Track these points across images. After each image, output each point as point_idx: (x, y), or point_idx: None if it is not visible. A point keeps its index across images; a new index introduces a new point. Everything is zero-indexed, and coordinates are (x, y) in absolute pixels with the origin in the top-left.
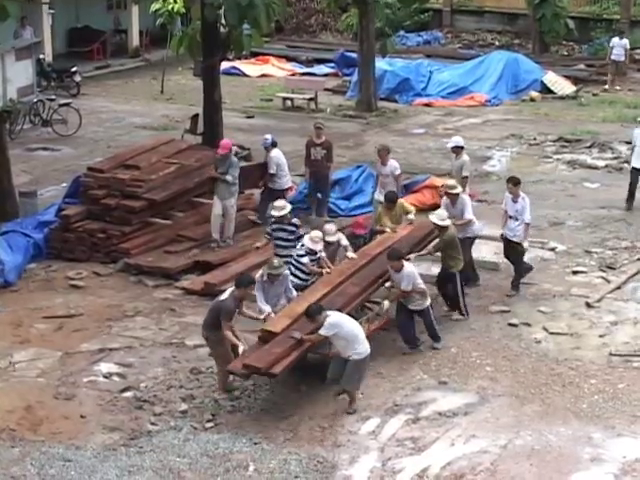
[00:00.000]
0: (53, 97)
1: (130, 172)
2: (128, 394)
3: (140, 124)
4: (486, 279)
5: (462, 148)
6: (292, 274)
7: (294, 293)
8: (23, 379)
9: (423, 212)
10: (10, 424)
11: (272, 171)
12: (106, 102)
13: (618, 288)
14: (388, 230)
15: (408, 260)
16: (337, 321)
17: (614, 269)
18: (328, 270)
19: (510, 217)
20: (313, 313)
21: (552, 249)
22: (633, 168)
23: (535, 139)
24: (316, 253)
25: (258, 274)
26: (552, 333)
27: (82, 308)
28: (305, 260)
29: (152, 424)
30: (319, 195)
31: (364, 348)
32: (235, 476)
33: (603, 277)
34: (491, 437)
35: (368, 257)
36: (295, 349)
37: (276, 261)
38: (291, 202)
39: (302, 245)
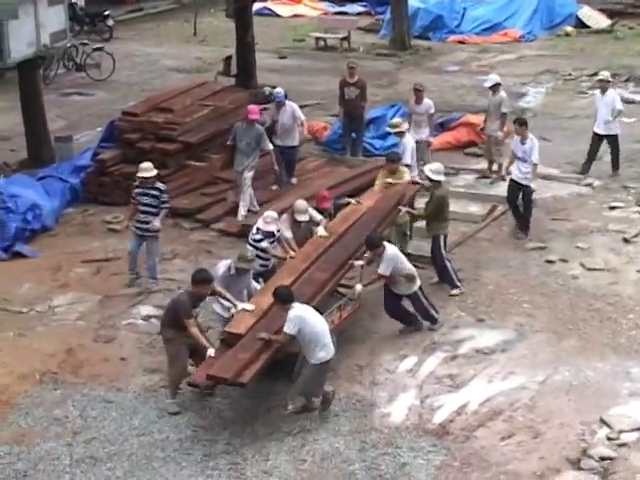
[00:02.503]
0: (86, 42)
1: (164, 115)
2: None
3: (173, 67)
4: None
5: (499, 85)
6: None
7: (255, 285)
8: (63, 323)
9: (458, 149)
10: (52, 367)
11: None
12: (139, 46)
13: None
14: (353, 202)
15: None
16: (300, 315)
17: None
18: (292, 254)
19: (518, 159)
20: (281, 296)
21: (589, 185)
22: (595, 133)
23: (570, 74)
24: (274, 235)
25: (224, 266)
26: (589, 269)
27: (120, 252)
28: (264, 244)
29: (192, 365)
30: (353, 135)
31: (325, 352)
32: (275, 415)
33: None
34: (529, 373)
35: (334, 236)
36: (263, 352)
37: (249, 253)
38: (326, 142)
39: (257, 229)
